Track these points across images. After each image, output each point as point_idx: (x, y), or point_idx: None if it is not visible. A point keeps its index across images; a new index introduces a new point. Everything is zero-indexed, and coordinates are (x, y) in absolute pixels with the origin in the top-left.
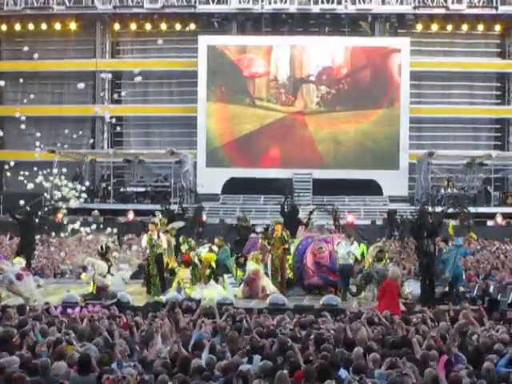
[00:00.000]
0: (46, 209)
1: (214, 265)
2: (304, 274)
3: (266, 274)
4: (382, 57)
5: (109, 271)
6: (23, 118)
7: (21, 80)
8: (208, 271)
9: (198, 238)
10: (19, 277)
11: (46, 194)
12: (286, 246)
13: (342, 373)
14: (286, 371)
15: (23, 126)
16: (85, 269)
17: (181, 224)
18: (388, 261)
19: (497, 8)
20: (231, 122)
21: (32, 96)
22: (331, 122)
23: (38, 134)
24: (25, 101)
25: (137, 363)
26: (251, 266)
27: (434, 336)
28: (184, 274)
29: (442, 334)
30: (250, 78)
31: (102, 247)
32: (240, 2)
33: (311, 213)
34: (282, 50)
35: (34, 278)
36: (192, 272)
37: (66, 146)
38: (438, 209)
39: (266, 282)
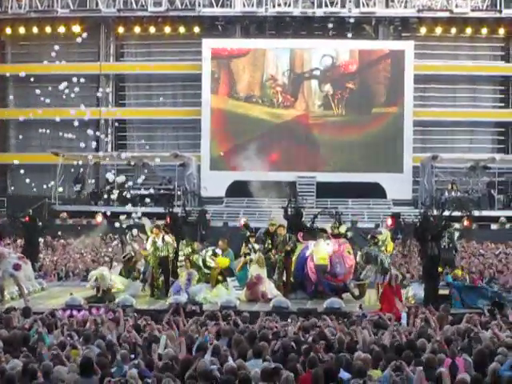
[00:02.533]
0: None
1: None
2: (306, 281)
3: (270, 277)
4: (386, 59)
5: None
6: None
7: (25, 83)
8: (216, 274)
9: (201, 241)
10: (17, 267)
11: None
12: (288, 248)
13: (343, 374)
14: (291, 374)
15: (27, 129)
16: (88, 271)
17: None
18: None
19: (501, 11)
20: (234, 125)
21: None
22: (335, 126)
23: (42, 134)
24: (29, 104)
25: (140, 365)
26: (254, 269)
27: (438, 340)
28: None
29: (446, 337)
30: (251, 81)
31: (128, 258)
32: (244, 6)
33: (315, 217)
34: (284, 51)
35: (38, 281)
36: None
37: (69, 149)
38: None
39: (268, 287)
